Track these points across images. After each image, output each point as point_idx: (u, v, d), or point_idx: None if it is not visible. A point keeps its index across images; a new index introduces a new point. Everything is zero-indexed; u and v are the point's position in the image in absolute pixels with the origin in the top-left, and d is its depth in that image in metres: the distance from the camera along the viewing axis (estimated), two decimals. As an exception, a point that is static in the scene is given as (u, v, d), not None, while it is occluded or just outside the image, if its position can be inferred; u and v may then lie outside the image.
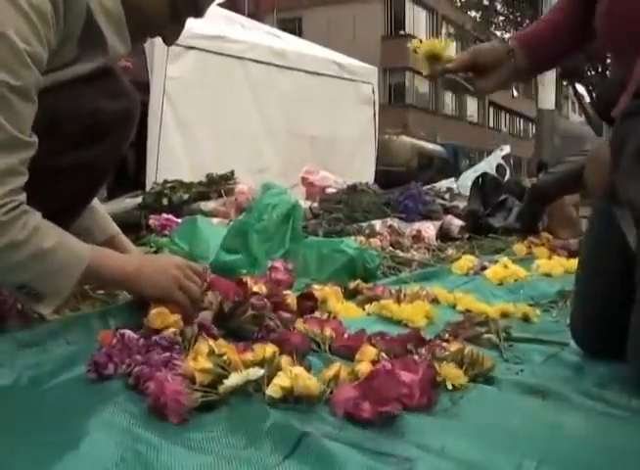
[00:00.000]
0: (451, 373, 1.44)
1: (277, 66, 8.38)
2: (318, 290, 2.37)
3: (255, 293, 1.89)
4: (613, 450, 1.14)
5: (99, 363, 1.44)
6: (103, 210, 2.04)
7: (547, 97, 12.60)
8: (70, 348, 1.63)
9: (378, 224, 4.89)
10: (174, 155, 7.03)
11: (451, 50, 1.93)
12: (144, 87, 6.70)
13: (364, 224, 4.89)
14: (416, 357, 1.55)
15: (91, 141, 1.60)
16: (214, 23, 7.25)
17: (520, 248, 4.26)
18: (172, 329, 1.64)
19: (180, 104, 7.16)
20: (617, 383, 1.57)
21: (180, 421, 1.25)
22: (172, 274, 1.73)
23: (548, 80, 12.84)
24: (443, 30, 38.15)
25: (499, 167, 7.53)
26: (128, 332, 1.56)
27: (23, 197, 1.42)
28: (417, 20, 38.86)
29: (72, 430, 1.16)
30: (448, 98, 41.50)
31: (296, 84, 8.51)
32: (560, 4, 1.92)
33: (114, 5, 1.53)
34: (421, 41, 1.95)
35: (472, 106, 44.56)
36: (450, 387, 1.42)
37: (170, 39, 1.75)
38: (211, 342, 1.48)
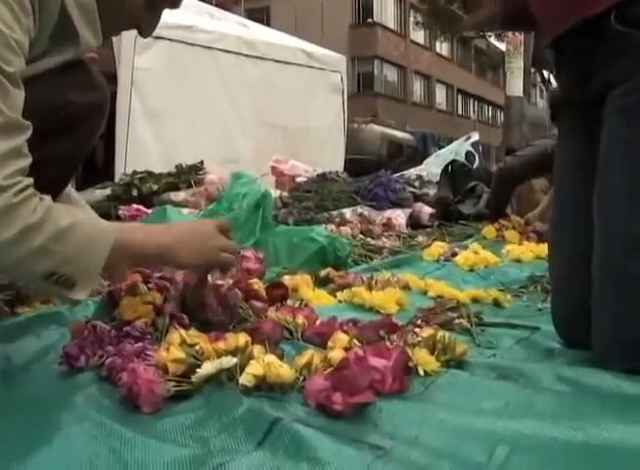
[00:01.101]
0: (423, 358, 1.44)
1: (246, 55, 8.38)
2: (289, 279, 2.38)
3: (221, 285, 1.88)
4: (585, 433, 1.15)
5: (70, 355, 1.43)
6: (80, 199, 2.01)
7: (515, 84, 12.69)
8: (41, 341, 1.63)
9: (348, 212, 4.90)
10: (143, 146, 7.01)
11: None
12: (111, 78, 6.65)
13: (334, 213, 4.91)
14: (388, 344, 1.55)
15: (61, 133, 1.57)
16: (183, 13, 7.21)
17: (489, 230, 4.28)
18: (144, 319, 1.63)
19: (149, 95, 7.13)
20: (587, 365, 1.59)
21: (153, 411, 1.25)
22: (211, 246, 1.65)
23: (516, 68, 12.94)
24: (411, 19, 38.16)
25: (468, 154, 7.54)
26: (100, 323, 1.55)
27: (30, 179, 1.36)
28: (385, 8, 38.81)
29: (45, 424, 1.15)
30: (417, 86, 41.58)
31: (265, 74, 8.51)
32: None
33: None
34: None
35: (440, 94, 44.69)
36: (422, 372, 1.42)
37: (146, 32, 1.73)
38: (183, 332, 1.47)
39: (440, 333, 1.60)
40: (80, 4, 1.50)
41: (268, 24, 21.04)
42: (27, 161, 1.36)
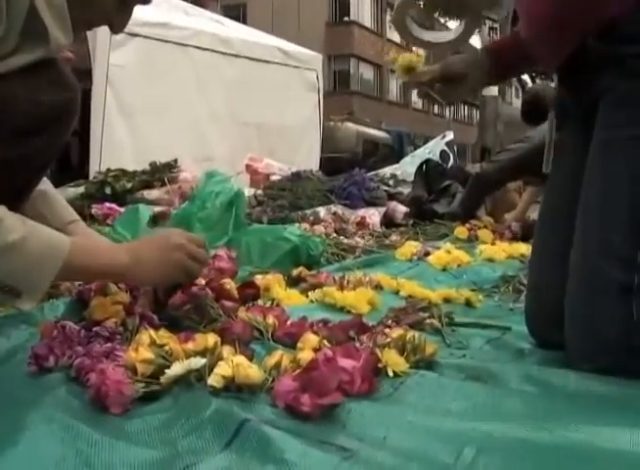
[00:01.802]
0: (392, 359, 1.44)
1: (222, 53, 8.37)
2: (261, 278, 2.38)
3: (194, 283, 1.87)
4: (553, 434, 1.16)
5: (39, 355, 1.42)
6: (59, 197, 2.00)
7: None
8: (10, 341, 1.61)
9: (322, 211, 4.91)
10: (118, 143, 6.99)
11: (422, 63, 2.16)
12: (86, 75, 6.62)
13: (308, 211, 4.91)
14: (358, 344, 1.56)
15: (31, 133, 1.56)
16: (157, 10, 7.18)
17: (461, 230, 4.30)
18: (114, 319, 1.63)
19: (124, 92, 7.11)
20: (556, 366, 1.60)
21: (122, 412, 1.24)
22: (175, 259, 1.66)
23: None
24: (387, 17, 38.16)
25: (443, 154, 7.57)
26: (69, 324, 1.54)
27: None
28: (362, 6, 38.84)
29: (11, 425, 1.14)
30: (393, 85, 41.59)
31: (240, 71, 8.50)
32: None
33: None
34: (398, 56, 2.19)
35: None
36: (392, 373, 1.42)
37: (118, 28, 1.73)
38: (152, 332, 1.47)
39: (410, 333, 1.61)
40: (50, 2, 1.49)
41: (244, 22, 21.01)
42: None
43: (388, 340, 1.56)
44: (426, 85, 2.11)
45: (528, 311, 1.92)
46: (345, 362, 1.33)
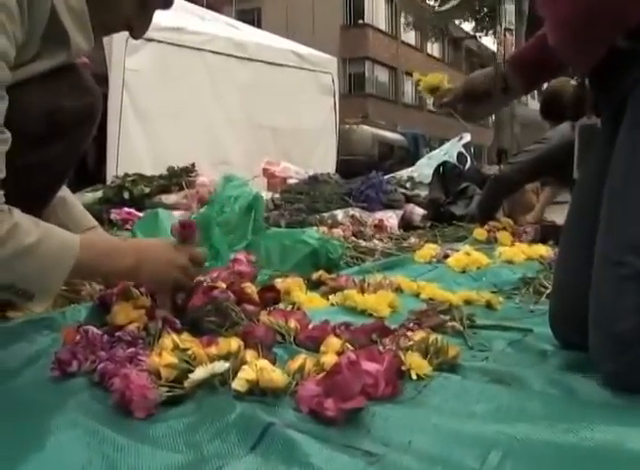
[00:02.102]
0: (416, 362, 1.44)
1: (237, 57, 8.38)
2: (281, 282, 2.38)
3: (215, 287, 1.87)
4: (577, 437, 1.15)
5: (62, 361, 1.43)
6: (78, 203, 2.01)
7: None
8: (33, 346, 1.62)
9: (340, 214, 4.90)
10: (135, 148, 7.01)
11: (446, 81, 2.15)
12: (102, 80, 6.65)
13: (326, 215, 4.91)
14: (380, 348, 1.55)
15: (52, 138, 1.56)
16: (173, 15, 7.20)
17: (480, 232, 4.28)
18: (136, 324, 1.63)
19: (140, 96, 7.13)
20: (579, 368, 1.59)
21: (146, 416, 1.24)
22: (173, 277, 1.71)
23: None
24: (402, 20, 38.19)
25: (460, 156, 7.54)
26: (92, 328, 1.54)
27: (0, 195, 1.38)
28: (376, 9, 38.83)
29: (37, 431, 1.15)
30: (408, 87, 41.57)
31: (256, 75, 8.51)
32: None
33: (78, 1, 1.51)
34: (422, 77, 2.21)
35: (432, 94, 44.68)
36: (415, 376, 1.42)
37: (138, 33, 1.73)
38: (175, 336, 1.47)
39: (433, 336, 1.60)
40: (71, 7, 1.50)
41: (259, 26, 21.06)
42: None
43: (411, 343, 1.56)
44: (449, 105, 2.07)
45: (552, 311, 1.87)
46: (369, 366, 1.34)
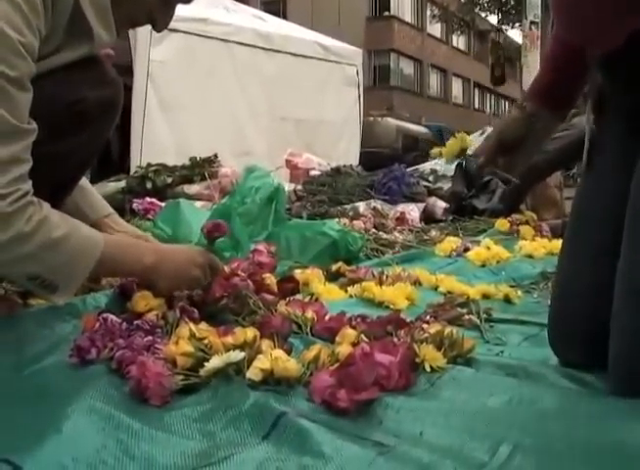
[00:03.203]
0: (430, 355, 1.45)
1: (262, 48, 8.37)
2: (300, 273, 2.39)
3: (237, 274, 1.90)
4: (589, 433, 1.16)
5: (81, 348, 1.45)
6: (94, 191, 2.04)
7: (531, 79, 12.62)
8: (54, 333, 1.65)
9: (361, 206, 4.90)
10: (159, 138, 7.03)
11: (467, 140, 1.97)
12: (127, 70, 6.68)
13: (348, 206, 4.90)
14: (395, 339, 1.56)
15: (75, 129, 1.59)
16: (198, 6, 7.21)
17: (503, 223, 4.27)
18: (155, 312, 1.65)
19: (164, 87, 7.14)
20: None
21: (162, 404, 1.26)
22: (193, 276, 1.75)
23: (532, 63, 12.88)
24: (428, 12, 38.07)
25: (483, 150, 7.52)
26: (111, 316, 1.57)
27: (29, 185, 1.41)
28: (402, 1, 38.72)
29: (54, 416, 1.17)
30: (433, 80, 41.51)
31: (280, 67, 8.50)
32: (549, 47, 1.82)
33: None
34: (440, 149, 2.12)
35: (457, 87, 44.60)
36: (429, 368, 1.43)
37: (160, 26, 1.75)
38: (192, 325, 1.49)
39: (448, 329, 1.61)
40: (94, 0, 1.51)
41: (285, 17, 21.04)
42: (26, 166, 1.41)
43: (426, 335, 1.57)
44: (489, 164, 1.85)
45: (552, 323, 1.70)
46: (383, 357, 1.35)
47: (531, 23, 14.41)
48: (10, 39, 1.34)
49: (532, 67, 12.62)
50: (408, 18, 39.42)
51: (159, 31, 1.78)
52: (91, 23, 1.52)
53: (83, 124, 1.61)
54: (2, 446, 1.07)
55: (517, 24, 28.06)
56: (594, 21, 1.48)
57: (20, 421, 1.17)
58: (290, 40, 8.85)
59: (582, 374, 1.50)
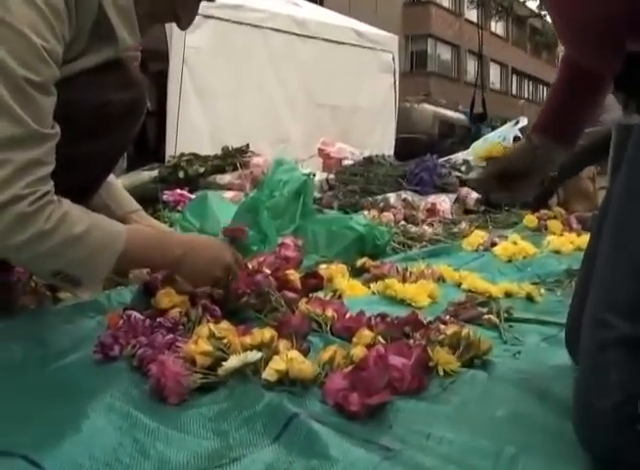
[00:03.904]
0: (443, 358, 1.47)
1: (297, 35, 8.38)
2: (325, 268, 2.42)
3: (260, 271, 1.93)
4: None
5: (105, 344, 1.50)
6: (120, 186, 2.08)
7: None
8: (79, 329, 1.69)
9: (392, 197, 4.91)
10: (194, 125, 7.09)
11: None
12: (163, 56, 6.73)
13: (379, 197, 4.92)
14: (411, 341, 1.58)
15: (99, 131, 1.63)
16: (233, -8, 7.26)
17: (531, 219, 4.27)
18: (178, 309, 1.69)
19: (200, 74, 7.20)
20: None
21: (179, 402, 1.30)
22: (216, 275, 1.78)
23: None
24: (466, -3, 37.76)
25: (516, 140, 7.47)
26: (134, 313, 1.61)
27: (50, 185, 1.45)
28: (440, -14, 38.48)
29: (74, 414, 1.20)
30: (470, 66, 41.15)
31: (315, 53, 8.51)
32: (558, 72, 1.76)
33: None
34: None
35: (494, 73, 44.23)
36: (442, 372, 1.45)
37: (184, 23, 1.78)
38: (212, 325, 1.52)
39: (465, 330, 1.63)
40: (117, 3, 1.55)
41: (321, 3, 20.99)
42: (48, 168, 1.45)
43: (442, 337, 1.59)
44: (482, 187, 1.80)
45: (569, 323, 1.62)
46: (397, 360, 1.37)
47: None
48: (34, 45, 1.38)
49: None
50: (446, 3, 39.15)
51: (183, 29, 1.81)
52: (115, 27, 1.55)
53: (108, 127, 1.65)
54: (22, 442, 1.10)
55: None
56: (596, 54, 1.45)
57: (41, 418, 1.21)
58: (325, 26, 8.85)
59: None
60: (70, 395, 1.32)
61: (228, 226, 2.33)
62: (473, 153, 1.91)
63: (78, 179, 1.63)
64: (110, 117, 1.63)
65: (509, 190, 1.81)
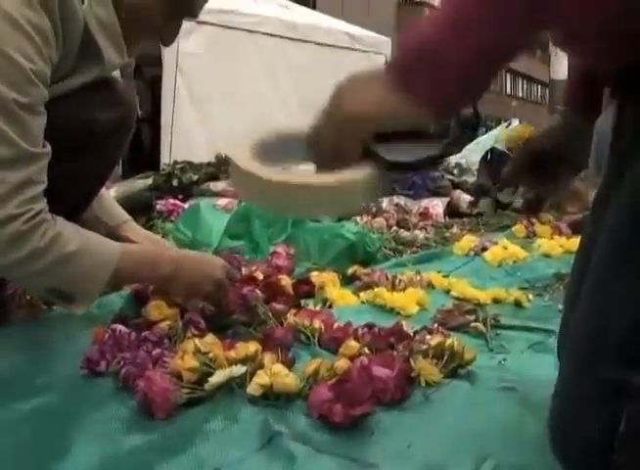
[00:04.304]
0: (426, 369, 1.49)
1: (290, 39, 8.39)
2: (316, 276, 2.44)
3: (252, 278, 1.95)
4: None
5: (91, 360, 1.52)
6: (111, 198, 2.11)
7: (559, 67, 12.48)
8: (68, 342, 1.71)
9: (385, 202, 4.93)
10: (189, 130, 7.10)
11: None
12: (157, 62, 6.75)
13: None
14: (395, 353, 1.60)
15: (88, 150, 1.66)
16: (225, -3, 7.28)
17: (519, 229, 4.24)
18: (168, 322, 1.71)
19: (194, 79, 7.21)
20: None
21: (166, 417, 1.32)
22: (207, 291, 1.80)
23: (558, 51, 12.74)
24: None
25: (509, 142, 7.50)
26: (120, 327, 1.63)
27: (43, 204, 1.48)
28: (434, -14, 38.47)
29: (59, 434, 1.24)
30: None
31: (308, 57, 8.51)
32: None
33: (110, 17, 1.58)
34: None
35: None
36: (423, 383, 1.47)
37: (168, 40, 1.80)
38: (197, 340, 1.54)
39: (449, 340, 1.64)
40: (103, 24, 1.57)
41: (314, 6, 20.99)
42: (40, 187, 1.48)
43: (425, 347, 1.61)
44: (513, 178, 1.57)
45: (561, 330, 1.47)
46: (380, 371, 1.40)
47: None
48: (21, 67, 1.41)
49: (561, 54, 12.49)
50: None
51: (166, 45, 1.82)
52: (101, 47, 1.57)
53: (96, 145, 1.67)
54: (4, 461, 1.15)
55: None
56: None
57: (27, 438, 1.24)
58: (317, 30, 8.86)
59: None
60: (55, 416, 1.34)
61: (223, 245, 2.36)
62: (501, 138, 1.84)
63: (70, 196, 1.65)
64: (97, 136, 1.65)
65: (541, 182, 1.57)
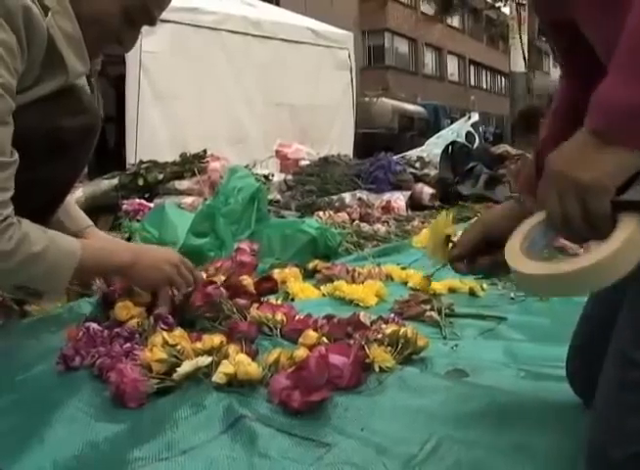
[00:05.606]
0: (380, 356, 1.59)
1: (253, 35, 8.44)
2: (278, 272, 2.54)
3: (212, 281, 2.04)
4: (513, 429, 1.30)
5: (67, 356, 1.61)
6: (74, 203, 2.18)
7: (518, 59, 12.69)
8: (42, 343, 1.81)
9: (348, 197, 5.03)
10: (154, 128, 7.14)
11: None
12: (121, 61, 6.77)
13: (335, 197, 5.04)
14: (352, 341, 1.71)
15: (53, 157, 1.74)
16: (188, -5, 7.33)
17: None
18: (136, 320, 1.80)
19: (157, 78, 7.24)
20: (543, 360, 1.72)
21: (138, 406, 1.43)
22: (165, 271, 1.88)
23: (519, 44, 12.93)
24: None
25: (468, 135, 7.65)
26: (93, 325, 1.72)
27: (10, 209, 1.55)
28: (395, -21, 38.58)
29: (39, 424, 1.33)
30: (428, 58, 41.43)
31: (272, 53, 8.58)
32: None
33: (72, 27, 1.65)
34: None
35: (452, 65, 44.53)
36: (377, 369, 1.58)
37: (127, 46, 1.87)
38: (165, 334, 1.63)
39: (403, 329, 1.74)
40: (67, 34, 1.63)
41: (277, 3, 21.03)
42: (8, 194, 1.55)
43: (380, 335, 1.71)
44: (461, 258, 1.47)
45: (570, 370, 1.45)
46: (336, 359, 1.50)
47: (518, 4, 14.42)
48: None
49: (517, 48, 12.65)
50: (402, -4, 39.30)
51: (126, 51, 1.90)
52: (65, 56, 1.64)
53: (62, 152, 1.75)
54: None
55: (509, 1, 27.97)
56: None
57: (8, 428, 1.34)
58: (281, 26, 8.93)
59: (532, 374, 1.63)
60: (36, 406, 1.43)
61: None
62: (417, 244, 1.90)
63: (37, 202, 1.73)
64: (63, 143, 1.74)
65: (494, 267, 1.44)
